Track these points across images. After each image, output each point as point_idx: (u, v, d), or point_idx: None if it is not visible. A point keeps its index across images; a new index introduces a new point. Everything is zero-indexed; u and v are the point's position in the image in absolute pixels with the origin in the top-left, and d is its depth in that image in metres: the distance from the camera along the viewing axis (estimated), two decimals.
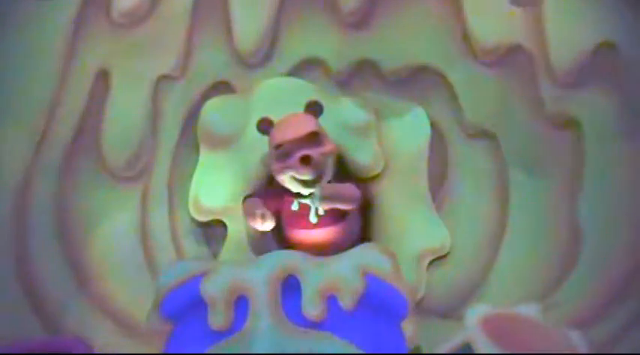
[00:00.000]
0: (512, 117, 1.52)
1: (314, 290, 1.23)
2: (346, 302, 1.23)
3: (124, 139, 1.55)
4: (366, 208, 1.46)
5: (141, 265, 1.47)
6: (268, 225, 1.35)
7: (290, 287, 1.25)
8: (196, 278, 1.26)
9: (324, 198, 1.33)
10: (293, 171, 1.32)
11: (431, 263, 1.46)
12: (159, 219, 1.50)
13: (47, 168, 1.54)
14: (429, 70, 1.53)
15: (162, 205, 1.51)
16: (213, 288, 1.25)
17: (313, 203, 1.35)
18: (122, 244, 1.49)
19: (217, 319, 1.24)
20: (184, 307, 1.26)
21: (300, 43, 1.54)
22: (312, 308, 1.23)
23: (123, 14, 1.58)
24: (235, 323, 1.24)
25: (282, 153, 1.32)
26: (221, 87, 1.54)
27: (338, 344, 1.20)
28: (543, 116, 1.51)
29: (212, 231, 1.48)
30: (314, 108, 1.39)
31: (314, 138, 1.33)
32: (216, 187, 1.45)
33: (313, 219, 1.36)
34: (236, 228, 1.45)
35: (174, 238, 1.50)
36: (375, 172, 1.46)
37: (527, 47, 1.53)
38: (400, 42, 1.54)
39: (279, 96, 1.47)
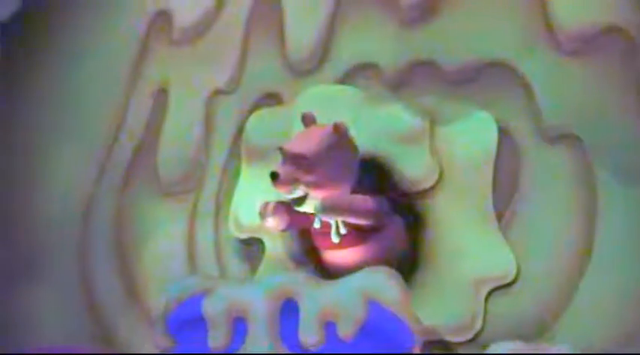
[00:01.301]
0: (605, 115, 1.26)
1: (312, 316, 1.13)
2: (344, 330, 1.11)
3: (179, 155, 1.52)
4: (417, 227, 1.31)
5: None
6: (279, 222, 1.24)
7: (289, 310, 1.15)
8: (199, 296, 1.21)
9: (324, 210, 1.19)
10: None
11: (493, 293, 1.26)
12: (205, 234, 1.46)
13: (109, 186, 1.57)
14: (499, 66, 1.32)
15: (209, 220, 1.46)
16: (213, 307, 1.18)
17: (319, 217, 1.23)
18: (170, 258, 1.47)
19: (216, 339, 1.17)
20: (186, 324, 1.21)
21: (353, 47, 1.42)
22: (308, 335, 1.12)
23: (183, 31, 1.57)
24: (233, 344, 1.17)
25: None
26: (271, 98, 1.47)
27: None
28: None
29: (254, 247, 1.41)
30: (339, 130, 1.23)
31: (301, 160, 1.20)
32: (255, 203, 1.38)
33: (334, 238, 1.23)
34: (273, 246, 1.37)
35: (218, 253, 1.45)
36: (427, 185, 1.30)
37: (626, 28, 1.26)
38: (465, 36, 1.35)
39: (322, 105, 1.37)
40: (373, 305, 1.12)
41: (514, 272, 1.26)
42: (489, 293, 1.26)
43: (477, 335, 1.25)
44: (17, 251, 1.61)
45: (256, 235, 1.39)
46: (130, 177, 1.56)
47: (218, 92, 1.52)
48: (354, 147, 1.25)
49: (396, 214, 1.30)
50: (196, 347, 1.20)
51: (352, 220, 1.21)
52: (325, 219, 1.22)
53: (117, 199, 1.56)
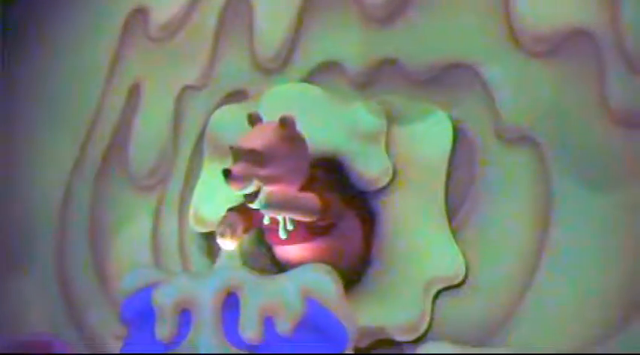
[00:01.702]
0: (564, 118, 1.25)
1: (252, 312, 1.14)
2: (283, 326, 1.12)
3: (148, 149, 1.55)
4: (372, 225, 1.31)
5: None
6: (230, 244, 1.25)
7: (233, 305, 1.16)
8: (149, 288, 1.22)
9: (266, 206, 1.20)
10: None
11: (443, 293, 1.26)
12: (169, 228, 1.48)
13: (85, 178, 1.60)
14: (462, 67, 1.32)
15: (173, 214, 1.48)
16: (162, 299, 1.20)
17: (265, 213, 1.24)
18: (136, 249, 1.50)
19: (163, 330, 1.19)
20: (138, 314, 1.22)
21: (319, 45, 1.43)
22: (249, 330, 1.13)
23: (159, 28, 1.59)
24: (179, 336, 1.18)
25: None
26: (238, 95, 1.49)
27: None
28: (609, 115, 1.22)
29: (214, 241, 1.42)
30: (287, 124, 1.24)
31: (254, 156, 1.20)
32: (215, 198, 1.39)
33: (282, 233, 1.24)
34: None
35: (181, 246, 1.46)
36: (382, 184, 1.30)
37: (590, 30, 1.25)
38: (430, 37, 1.35)
39: (285, 103, 1.38)
40: (311, 302, 1.13)
41: (463, 273, 1.26)
42: (438, 294, 1.26)
43: (424, 335, 1.25)
44: (7, 240, 1.65)
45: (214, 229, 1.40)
46: (103, 170, 1.59)
47: (188, 88, 1.53)
48: (303, 140, 1.26)
49: (351, 212, 1.30)
50: (145, 336, 1.21)
51: (295, 216, 1.22)
52: (268, 214, 1.23)
53: (91, 191, 1.58)
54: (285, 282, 1.15)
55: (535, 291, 1.23)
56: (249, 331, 1.14)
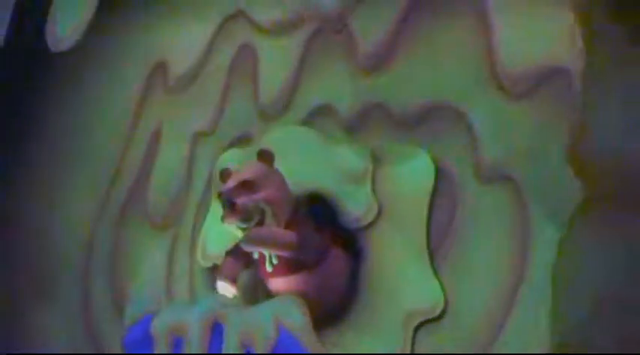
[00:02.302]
0: (542, 157, 1.30)
1: (233, 339, 1.23)
2: (259, 352, 1.21)
3: (164, 192, 1.67)
4: (358, 261, 1.38)
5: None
6: (230, 290, 1.35)
7: (219, 332, 1.26)
8: (149, 317, 1.33)
9: (246, 241, 1.29)
10: (225, 219, 1.31)
11: (425, 326, 1.32)
12: (182, 264, 1.59)
13: (109, 219, 1.73)
14: (445, 109, 1.39)
15: (185, 251, 1.59)
16: (159, 326, 1.31)
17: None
18: (152, 286, 1.60)
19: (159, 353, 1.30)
20: (140, 339, 1.33)
21: (315, 92, 1.53)
22: None
23: (176, 79, 1.72)
24: None
25: (223, 204, 1.32)
26: (244, 139, 1.60)
27: None
28: None
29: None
30: (266, 157, 1.36)
31: (247, 186, 1.31)
32: (220, 235, 1.49)
33: (268, 266, 1.33)
34: None
35: (191, 282, 1.57)
36: (367, 222, 1.38)
37: (569, 70, 1.29)
38: (415, 81, 1.43)
39: (281, 146, 1.48)
40: (282, 330, 1.21)
41: (441, 306, 1.31)
42: (419, 327, 1.32)
43: None
44: (29, 275, 1.79)
45: (219, 263, 1.50)
46: (126, 212, 1.71)
47: (201, 134, 1.66)
48: (280, 174, 1.37)
49: (338, 247, 1.39)
50: None
51: (273, 251, 1.31)
52: (249, 250, 1.33)
53: (114, 232, 1.71)
54: (261, 311, 1.24)
55: (511, 325, 1.27)
56: None
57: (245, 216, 1.29)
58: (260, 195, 1.30)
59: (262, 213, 1.30)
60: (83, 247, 1.74)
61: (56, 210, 1.80)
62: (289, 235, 1.31)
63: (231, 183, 1.32)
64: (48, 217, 1.81)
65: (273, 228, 1.31)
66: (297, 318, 1.23)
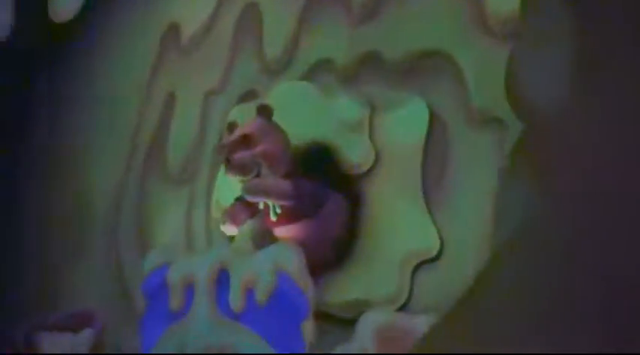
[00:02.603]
0: None
1: (237, 285, 1.30)
2: (259, 297, 1.28)
3: (180, 149, 1.75)
4: (357, 206, 1.45)
5: None
6: (231, 229, 1.43)
7: (225, 279, 1.33)
8: (165, 266, 1.41)
9: (245, 192, 1.37)
10: (225, 173, 1.38)
11: (421, 267, 1.38)
12: (199, 218, 1.67)
13: (133, 178, 1.81)
14: (436, 55, 1.44)
15: (201, 207, 1.67)
16: (172, 276, 1.39)
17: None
18: (173, 235, 1.69)
19: (174, 302, 1.38)
20: (156, 288, 1.42)
21: (314, 46, 1.58)
22: (235, 301, 1.30)
23: (188, 40, 1.78)
24: (186, 307, 1.36)
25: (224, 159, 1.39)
26: (250, 96, 1.66)
27: (252, 338, 1.27)
28: None
29: None
30: (265, 111, 1.42)
31: (245, 140, 1.37)
32: (230, 188, 1.56)
33: (272, 216, 1.41)
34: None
35: (208, 235, 1.65)
36: (365, 168, 1.44)
37: None
38: (407, 30, 1.47)
39: (283, 101, 1.54)
40: (281, 275, 1.28)
41: (437, 247, 1.37)
42: (416, 268, 1.38)
43: (404, 306, 1.37)
44: (66, 235, 1.89)
45: None
46: (147, 171, 1.80)
47: (211, 92, 1.72)
48: (279, 127, 1.43)
49: (339, 193, 1.45)
50: (161, 307, 1.40)
51: (272, 201, 1.38)
52: (249, 199, 1.39)
53: (138, 187, 1.80)
54: (262, 257, 1.31)
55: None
56: (236, 302, 1.31)
57: (241, 170, 1.36)
58: (256, 150, 1.37)
59: (259, 166, 1.37)
60: (112, 205, 1.84)
61: (90, 172, 1.90)
62: (284, 184, 1.37)
63: (229, 138, 1.38)
64: (84, 179, 1.91)
65: (268, 179, 1.38)
66: (294, 263, 1.29)
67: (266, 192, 1.37)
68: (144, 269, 1.46)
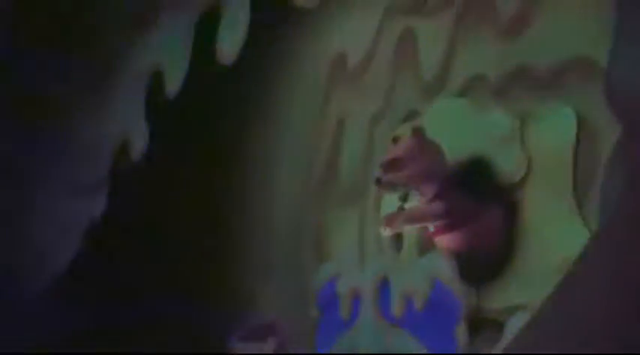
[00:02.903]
0: None
1: (398, 293, 1.40)
2: (417, 304, 1.37)
3: (352, 170, 1.87)
4: (512, 216, 1.50)
5: None
6: (388, 231, 1.53)
7: (387, 288, 1.43)
8: (334, 279, 1.54)
9: (402, 223, 1.50)
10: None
11: None
12: (370, 233, 1.77)
13: (314, 198, 1.95)
14: (582, 62, 1.47)
15: (372, 221, 1.78)
16: (341, 287, 1.52)
17: None
18: (347, 255, 1.80)
19: (343, 311, 1.50)
20: (329, 297, 1.55)
21: (467, 63, 1.66)
22: (396, 308, 1.40)
23: (354, 67, 1.90)
24: (354, 315, 1.48)
25: None
26: (412, 116, 1.75)
27: (410, 341, 1.36)
28: None
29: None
30: (417, 133, 1.52)
31: (394, 163, 1.48)
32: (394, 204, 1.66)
33: (430, 227, 1.51)
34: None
35: (379, 248, 1.75)
36: (517, 179, 1.50)
37: None
38: (553, 39, 1.51)
39: (440, 118, 1.63)
40: (437, 282, 1.37)
41: None
42: None
43: None
44: (258, 253, 2.06)
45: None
46: (322, 192, 1.93)
47: (376, 116, 1.83)
48: (436, 145, 1.52)
49: (494, 204, 1.51)
50: (333, 316, 1.53)
51: (427, 224, 1.50)
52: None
53: (315, 210, 1.93)
54: (418, 268, 1.41)
55: None
56: (396, 309, 1.41)
57: (390, 190, 1.47)
58: (403, 174, 1.47)
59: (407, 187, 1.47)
60: (295, 227, 1.98)
61: (274, 198, 2.06)
62: (435, 208, 1.47)
63: (383, 159, 1.49)
64: (268, 205, 2.07)
65: (418, 208, 1.50)
66: (448, 272, 1.37)
67: (418, 220, 1.50)
68: (317, 282, 1.60)
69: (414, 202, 1.50)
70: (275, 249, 2.00)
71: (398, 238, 1.69)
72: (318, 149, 1.96)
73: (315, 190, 1.95)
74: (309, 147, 1.98)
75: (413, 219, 1.50)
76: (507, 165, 1.51)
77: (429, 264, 1.41)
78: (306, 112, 2.00)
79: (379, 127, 1.83)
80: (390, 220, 1.51)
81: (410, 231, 1.61)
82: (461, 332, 1.35)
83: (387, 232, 1.53)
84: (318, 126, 1.97)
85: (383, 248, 1.74)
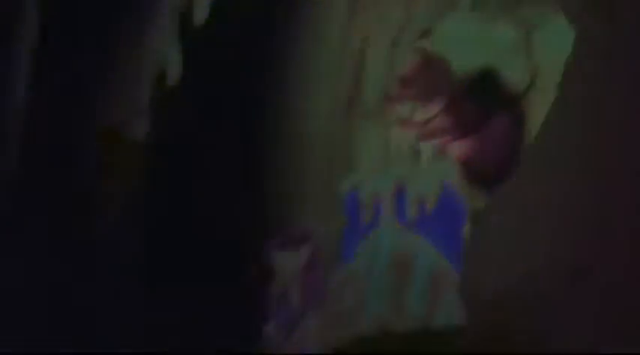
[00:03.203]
0: None
1: (413, 197, 1.54)
2: (429, 205, 1.50)
3: (374, 87, 1.98)
4: (518, 123, 1.62)
5: None
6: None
7: (403, 194, 1.57)
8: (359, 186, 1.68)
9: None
10: None
11: None
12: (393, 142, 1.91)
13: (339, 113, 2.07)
14: None
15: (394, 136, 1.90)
16: (363, 195, 1.67)
17: None
18: (370, 164, 1.93)
19: (365, 218, 1.65)
20: (352, 207, 1.69)
21: None
22: (410, 212, 1.54)
23: None
24: (376, 219, 1.63)
25: None
26: (428, 33, 1.84)
27: (422, 243, 1.50)
28: None
29: None
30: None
31: (402, 82, 1.68)
32: None
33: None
34: None
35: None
36: (522, 87, 1.61)
37: None
38: None
39: (450, 33, 1.75)
40: (445, 184, 1.50)
41: None
42: None
43: None
44: (293, 166, 2.19)
45: None
46: (352, 108, 2.05)
47: (394, 35, 1.93)
48: (440, 62, 1.65)
49: (502, 112, 1.62)
50: (358, 221, 1.67)
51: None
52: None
53: (346, 124, 2.06)
54: (429, 174, 1.54)
55: None
56: (410, 213, 1.55)
57: (398, 105, 1.62)
58: (410, 91, 1.63)
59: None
60: (326, 141, 2.11)
61: (306, 114, 2.19)
62: (443, 121, 1.61)
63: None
64: (301, 121, 2.19)
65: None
66: (455, 176, 1.50)
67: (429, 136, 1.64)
68: (343, 191, 1.73)
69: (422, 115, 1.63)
70: (308, 163, 2.14)
71: (415, 148, 1.82)
72: (345, 68, 2.08)
73: (343, 106, 2.07)
74: (335, 66, 2.10)
75: (424, 134, 1.63)
76: (515, 74, 1.62)
77: (439, 169, 1.54)
78: (331, 36, 2.11)
79: (398, 45, 1.93)
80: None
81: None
82: (467, 233, 1.49)
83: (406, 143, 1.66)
84: (343, 48, 2.08)
85: (402, 157, 1.88)
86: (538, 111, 1.59)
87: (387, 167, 1.90)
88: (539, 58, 1.60)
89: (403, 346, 1.51)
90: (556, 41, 1.57)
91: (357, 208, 1.69)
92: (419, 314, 1.50)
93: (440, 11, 1.84)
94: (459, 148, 1.62)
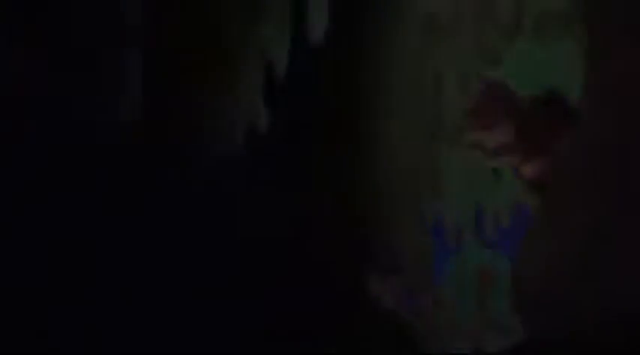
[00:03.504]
0: None
1: (490, 217, 1.63)
2: (504, 223, 1.59)
3: (451, 116, 2.08)
4: None
5: None
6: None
7: (482, 214, 1.67)
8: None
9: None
10: None
11: None
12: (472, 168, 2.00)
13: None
14: None
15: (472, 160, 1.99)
16: (447, 219, 1.77)
17: None
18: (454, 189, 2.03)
19: (450, 241, 1.75)
20: (439, 231, 1.79)
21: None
22: (489, 231, 1.63)
23: (440, 25, 2.11)
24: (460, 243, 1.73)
25: None
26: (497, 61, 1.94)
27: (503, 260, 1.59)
28: None
29: None
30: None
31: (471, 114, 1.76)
32: None
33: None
34: None
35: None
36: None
37: None
38: None
39: (516, 58, 1.83)
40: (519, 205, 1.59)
41: None
42: None
43: None
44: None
45: None
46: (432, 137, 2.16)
47: (465, 66, 2.04)
48: (504, 89, 1.75)
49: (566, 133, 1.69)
50: (444, 245, 1.77)
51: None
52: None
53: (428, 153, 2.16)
54: (503, 193, 1.64)
55: None
56: (489, 232, 1.64)
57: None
58: (481, 121, 1.72)
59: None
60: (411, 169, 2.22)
61: (390, 147, 2.31)
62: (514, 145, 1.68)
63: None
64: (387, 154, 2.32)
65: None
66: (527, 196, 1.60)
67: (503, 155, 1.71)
68: (429, 215, 1.85)
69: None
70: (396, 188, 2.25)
71: (496, 170, 1.91)
72: (422, 102, 2.19)
73: (424, 136, 2.18)
74: (413, 101, 2.21)
75: (499, 158, 1.72)
76: (574, 93, 1.69)
77: (513, 189, 1.63)
78: (405, 71, 2.23)
79: (469, 75, 2.03)
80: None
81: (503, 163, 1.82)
82: None
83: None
84: (417, 81, 2.19)
85: (481, 180, 1.97)
86: None
87: (468, 191, 2.00)
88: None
89: None
90: None
91: (442, 232, 1.80)
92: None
93: (507, 37, 1.93)
94: (532, 168, 1.70)
